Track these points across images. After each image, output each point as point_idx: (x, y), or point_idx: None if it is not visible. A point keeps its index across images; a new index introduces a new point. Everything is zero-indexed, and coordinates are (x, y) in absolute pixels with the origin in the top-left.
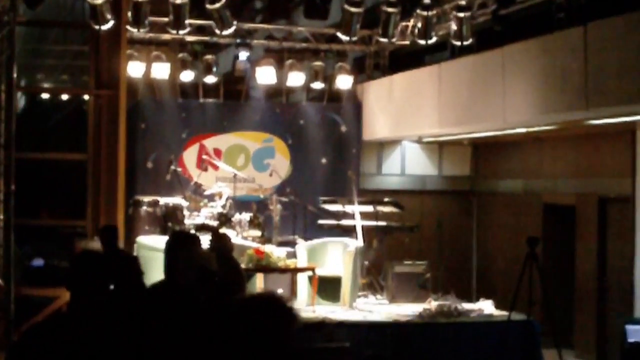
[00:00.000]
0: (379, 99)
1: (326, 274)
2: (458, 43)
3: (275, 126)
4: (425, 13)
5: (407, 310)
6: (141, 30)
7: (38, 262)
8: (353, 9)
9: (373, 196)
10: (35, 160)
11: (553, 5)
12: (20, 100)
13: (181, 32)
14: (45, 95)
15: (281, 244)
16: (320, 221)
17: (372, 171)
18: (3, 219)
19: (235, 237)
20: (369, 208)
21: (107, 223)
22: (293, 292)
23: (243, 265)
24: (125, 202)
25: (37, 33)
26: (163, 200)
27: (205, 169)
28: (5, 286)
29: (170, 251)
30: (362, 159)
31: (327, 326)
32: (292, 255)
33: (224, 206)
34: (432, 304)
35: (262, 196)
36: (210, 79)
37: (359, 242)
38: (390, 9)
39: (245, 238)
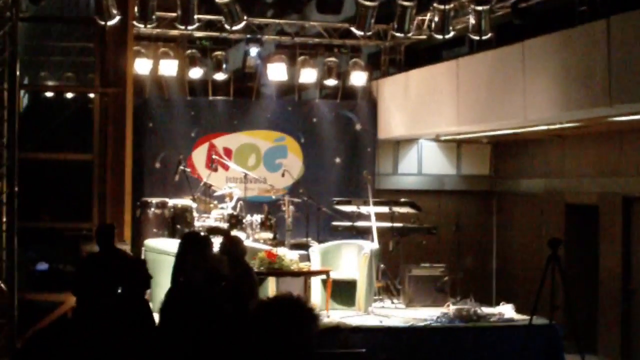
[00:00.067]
0: (394, 96)
1: (341, 278)
2: (477, 37)
3: (288, 125)
4: (442, 6)
5: (424, 314)
6: (148, 25)
7: (42, 266)
8: (367, 3)
9: (389, 197)
10: (39, 160)
11: None
12: (24, 99)
13: (190, 27)
14: (49, 94)
15: (294, 246)
16: (335, 223)
17: (387, 171)
18: (6, 222)
19: (246, 239)
20: (385, 209)
21: (116, 225)
22: (306, 296)
23: (255, 269)
24: (133, 203)
25: (41, 29)
26: (171, 202)
27: (215, 169)
28: (9, 291)
29: (180, 252)
30: (378, 158)
31: (341, 331)
32: (306, 258)
33: (234, 207)
34: (450, 308)
35: (274, 197)
36: (220, 76)
37: (374, 244)
38: (406, 3)
39: (256, 240)
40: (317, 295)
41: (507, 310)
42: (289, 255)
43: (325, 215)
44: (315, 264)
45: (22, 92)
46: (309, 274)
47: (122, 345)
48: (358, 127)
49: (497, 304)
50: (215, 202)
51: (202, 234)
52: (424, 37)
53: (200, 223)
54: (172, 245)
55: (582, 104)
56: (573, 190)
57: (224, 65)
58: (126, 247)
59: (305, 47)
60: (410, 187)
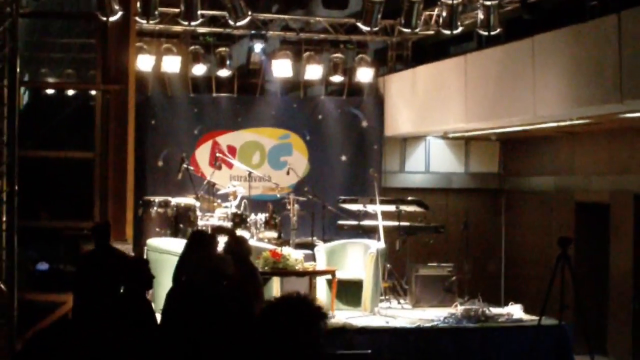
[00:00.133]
0: (401, 93)
1: (346, 278)
2: (485, 33)
3: (293, 122)
4: (450, 1)
5: (431, 315)
6: (151, 21)
7: (42, 266)
8: None
9: (396, 195)
10: (40, 158)
11: None
12: (24, 96)
13: (193, 23)
14: (49, 91)
15: (299, 245)
16: (340, 222)
17: (394, 168)
18: (6, 221)
19: (250, 238)
20: (392, 207)
21: (118, 224)
22: (313, 296)
23: (259, 269)
24: (135, 202)
25: (41, 25)
26: (174, 201)
27: (219, 167)
28: (9, 291)
29: (184, 250)
30: (384, 155)
31: (347, 332)
32: (311, 257)
33: (238, 206)
34: (458, 309)
35: (278, 196)
36: (224, 73)
37: (380, 243)
38: None
39: (261, 240)
40: (322, 296)
41: (515, 311)
42: (293, 255)
43: (330, 214)
44: (320, 264)
45: (22, 89)
46: (314, 273)
47: (123, 346)
48: (364, 124)
49: (506, 304)
50: (219, 200)
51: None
52: (431, 32)
53: (204, 222)
54: (175, 244)
55: (593, 100)
56: (583, 188)
57: (228, 62)
58: (128, 247)
59: (310, 43)
60: (417, 185)
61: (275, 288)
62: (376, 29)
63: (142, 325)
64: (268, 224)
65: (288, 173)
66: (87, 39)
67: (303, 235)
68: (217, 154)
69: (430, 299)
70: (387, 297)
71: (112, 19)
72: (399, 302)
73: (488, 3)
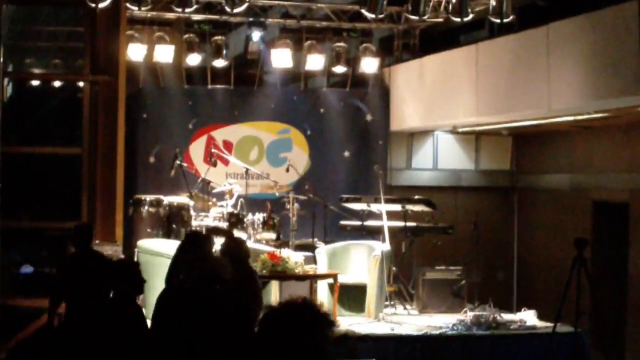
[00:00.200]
0: (408, 84)
1: (349, 282)
2: (497, 20)
3: (293, 115)
4: None
5: (439, 321)
6: (142, 8)
7: (26, 269)
8: None
9: (402, 193)
10: (24, 154)
11: None
12: (7, 88)
13: (187, 10)
14: (35, 82)
15: (299, 247)
16: (343, 222)
17: (400, 165)
18: None
19: (247, 240)
20: (397, 207)
21: (106, 224)
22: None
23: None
24: (125, 201)
25: (26, 12)
26: (167, 199)
27: (214, 164)
28: None
29: (177, 251)
30: (390, 151)
31: (350, 340)
32: (311, 260)
33: (234, 205)
34: (467, 315)
35: (277, 194)
36: (220, 63)
37: (385, 245)
38: None
39: (258, 241)
40: (323, 301)
41: (528, 317)
42: (293, 257)
43: (332, 214)
44: (321, 267)
45: (5, 80)
46: (315, 277)
47: (112, 355)
48: (369, 117)
49: (518, 310)
50: (214, 199)
51: (202, 232)
52: (440, 20)
53: (198, 222)
54: (167, 246)
55: (612, 92)
56: (601, 186)
57: (224, 51)
58: (117, 249)
59: (312, 31)
60: (424, 183)
61: (273, 292)
62: (382, 16)
63: (132, 333)
64: (266, 225)
65: (287, 170)
66: (74, 27)
67: (303, 236)
68: (213, 150)
69: (438, 305)
70: (392, 302)
71: (101, 5)
72: (404, 308)
73: None
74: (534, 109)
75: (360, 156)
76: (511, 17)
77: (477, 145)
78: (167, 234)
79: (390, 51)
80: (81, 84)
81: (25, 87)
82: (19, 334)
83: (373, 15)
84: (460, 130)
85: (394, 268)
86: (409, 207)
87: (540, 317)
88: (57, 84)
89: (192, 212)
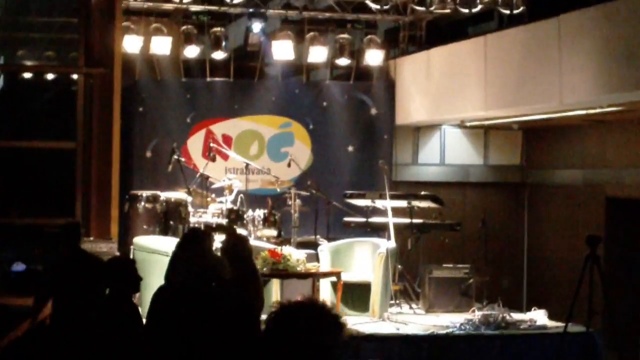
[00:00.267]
0: (414, 77)
1: (353, 280)
2: (507, 11)
3: (294, 109)
4: None
5: (446, 321)
6: None
7: (19, 267)
8: None
9: (408, 189)
10: (16, 149)
11: None
12: None
13: (185, 0)
14: (27, 75)
15: (301, 245)
16: (346, 218)
17: (406, 160)
18: None
19: (247, 237)
20: (403, 203)
21: (101, 221)
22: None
23: None
24: (120, 197)
25: (19, 3)
26: (164, 195)
27: (213, 159)
28: None
29: (175, 248)
30: (395, 146)
31: (354, 340)
32: (314, 258)
33: (234, 201)
34: (475, 314)
35: (278, 190)
36: (219, 55)
37: (391, 242)
38: None
39: (259, 238)
40: (326, 300)
41: (539, 317)
42: (295, 255)
43: (336, 210)
44: (324, 265)
45: None
46: (318, 275)
47: (106, 354)
48: (373, 111)
49: (528, 309)
50: (213, 195)
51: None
52: (447, 11)
53: (196, 219)
54: (164, 243)
55: (625, 86)
56: (614, 181)
57: (224, 43)
58: (113, 246)
59: (314, 23)
60: (431, 178)
61: (274, 291)
62: (387, 7)
63: (127, 332)
64: (267, 221)
65: (289, 165)
66: (68, 18)
67: (305, 233)
68: (211, 144)
69: (445, 304)
70: (397, 301)
71: None
72: (410, 307)
73: None
74: (545, 103)
75: (365, 151)
76: (521, 8)
77: (486, 139)
78: (164, 231)
79: (396, 43)
80: (75, 76)
81: (17, 79)
82: (10, 334)
83: (378, 6)
84: (468, 124)
85: (399, 266)
86: (415, 203)
87: (551, 316)
88: (50, 76)
89: (190, 209)
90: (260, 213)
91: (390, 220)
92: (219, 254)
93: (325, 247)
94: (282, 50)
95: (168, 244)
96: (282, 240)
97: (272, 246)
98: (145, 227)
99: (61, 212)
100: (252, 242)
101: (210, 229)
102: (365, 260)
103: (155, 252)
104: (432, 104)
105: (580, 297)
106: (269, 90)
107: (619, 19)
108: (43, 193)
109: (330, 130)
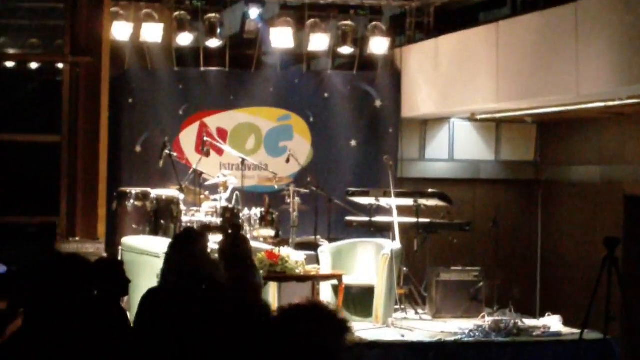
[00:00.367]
0: (422, 67)
1: (355, 283)
2: None
3: (294, 101)
4: None
5: (455, 327)
6: None
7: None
8: None
9: (414, 187)
10: None
11: None
12: None
13: None
14: (9, 64)
15: (300, 245)
16: (349, 218)
17: (413, 156)
18: None
19: None
20: (409, 201)
21: (88, 220)
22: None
23: None
24: (108, 194)
25: None
26: (154, 193)
27: (207, 154)
28: None
29: (168, 250)
30: (401, 140)
31: (356, 347)
32: (314, 259)
33: (229, 199)
34: (486, 320)
35: (276, 187)
36: (214, 43)
37: (396, 243)
38: None
39: (255, 238)
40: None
41: (553, 323)
42: (293, 256)
43: (337, 209)
44: (325, 267)
45: None
46: (318, 278)
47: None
48: (378, 103)
49: (542, 315)
50: (207, 192)
51: (198, 229)
52: None
53: (189, 217)
54: (154, 243)
55: None
56: (634, 179)
57: (219, 30)
58: (100, 246)
59: (315, 9)
60: (439, 175)
61: (272, 295)
62: None
63: (114, 337)
64: (264, 220)
65: (288, 161)
66: (54, 3)
67: (305, 233)
68: (205, 138)
69: (454, 309)
70: (402, 306)
71: None
72: (416, 312)
73: None
74: (561, 95)
75: (368, 145)
76: None
77: (498, 133)
78: (155, 231)
79: (402, 30)
80: (61, 65)
81: None
82: None
83: None
84: (479, 117)
85: (404, 268)
86: (422, 201)
87: (566, 322)
88: (34, 65)
89: (183, 207)
90: (256, 212)
91: (395, 219)
92: (217, 255)
93: (325, 248)
94: (281, 37)
95: (158, 244)
96: (280, 240)
97: (269, 247)
98: (134, 226)
99: (45, 211)
100: None
101: (207, 230)
102: (368, 262)
103: (144, 253)
104: (440, 95)
105: (597, 301)
106: (267, 81)
107: None
108: (25, 190)
109: (332, 123)
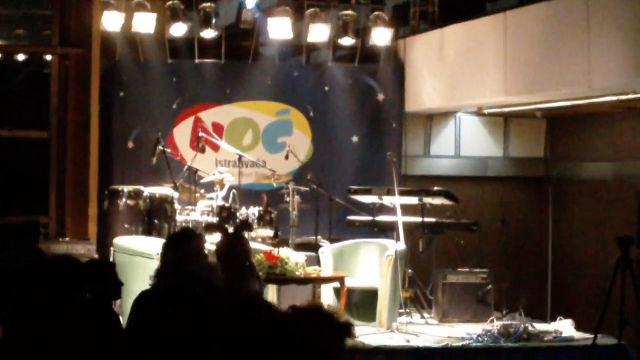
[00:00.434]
0: (426, 59)
1: (358, 286)
2: None
3: (293, 94)
4: None
5: (462, 332)
6: None
7: None
8: None
9: (419, 184)
10: None
11: None
12: None
13: None
14: None
15: (300, 246)
16: (351, 217)
17: (417, 152)
18: None
19: None
20: (414, 200)
21: (78, 220)
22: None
23: None
24: (99, 192)
25: None
26: (147, 191)
27: (202, 150)
28: None
29: (162, 250)
30: (405, 136)
31: (359, 352)
32: (314, 261)
33: (225, 198)
34: (494, 324)
35: (275, 185)
36: (209, 34)
37: (400, 244)
38: None
39: (253, 239)
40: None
41: (565, 327)
42: (293, 258)
43: (339, 208)
44: (326, 269)
45: None
46: (319, 280)
47: None
48: (380, 97)
49: (553, 319)
50: (202, 190)
51: (197, 229)
52: None
53: (184, 217)
54: (147, 244)
55: None
56: None
57: (214, 20)
58: (91, 247)
59: None
60: (445, 172)
61: (271, 298)
62: None
63: (106, 343)
64: (262, 220)
65: (287, 157)
66: None
67: (305, 233)
68: (200, 134)
69: (461, 313)
70: (407, 309)
71: None
72: (422, 316)
73: None
74: (572, 88)
75: (371, 141)
76: None
77: (506, 129)
78: (148, 231)
79: (406, 20)
80: (49, 57)
81: None
82: None
83: None
84: (486, 111)
85: (409, 270)
86: (427, 200)
87: (579, 327)
88: (20, 57)
89: (177, 206)
90: (254, 211)
91: (400, 219)
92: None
93: (327, 249)
94: (279, 28)
95: (152, 245)
96: (279, 241)
97: (268, 248)
98: (126, 226)
99: (33, 210)
100: None
101: (208, 229)
102: (371, 263)
103: (137, 254)
104: (445, 88)
105: (611, 305)
106: (265, 73)
107: None
108: (13, 188)
109: (333, 118)
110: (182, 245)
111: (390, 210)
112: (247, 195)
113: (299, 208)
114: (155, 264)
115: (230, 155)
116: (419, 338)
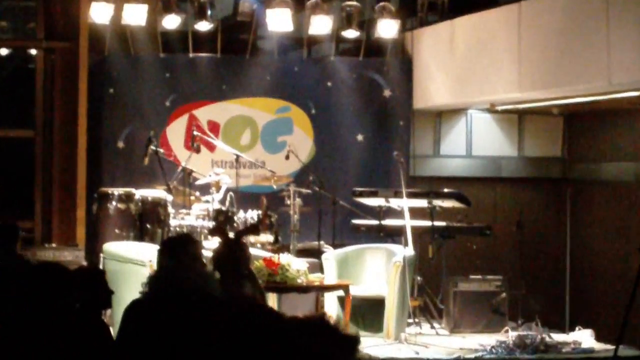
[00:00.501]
0: (435, 52)
1: (364, 294)
2: None
3: (293, 90)
4: None
5: (474, 343)
6: None
7: None
8: None
9: (428, 186)
10: None
11: None
12: None
13: None
14: None
15: (301, 252)
16: (356, 221)
17: (426, 152)
18: None
19: None
20: (423, 202)
21: (65, 224)
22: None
23: None
24: (88, 195)
25: None
26: (139, 193)
27: (197, 150)
28: None
29: (158, 256)
30: (413, 134)
31: None
32: (317, 268)
33: (222, 201)
34: (509, 335)
35: (275, 187)
36: (204, 26)
37: (408, 249)
38: None
39: (252, 244)
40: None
41: (584, 338)
42: (294, 264)
43: (343, 211)
44: (329, 276)
45: None
46: (322, 289)
47: None
48: (387, 93)
49: (572, 329)
50: (197, 193)
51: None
52: None
53: (178, 221)
54: (139, 250)
55: None
56: None
57: (209, 12)
58: (79, 254)
59: None
60: (456, 173)
61: None
62: None
63: (96, 357)
64: (261, 224)
65: (287, 157)
66: None
67: (307, 238)
68: (195, 133)
69: (473, 323)
70: (416, 319)
71: None
72: (432, 327)
73: None
74: (590, 83)
75: (377, 140)
76: None
77: (521, 127)
78: (140, 236)
79: (413, 12)
80: (33, 51)
81: None
82: None
83: None
84: (499, 108)
85: (418, 278)
86: (437, 202)
87: (599, 337)
88: (3, 51)
89: (171, 209)
90: (253, 214)
91: (408, 223)
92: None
93: (330, 255)
94: (279, 20)
95: (144, 251)
96: (279, 247)
97: (267, 254)
98: (117, 231)
99: (18, 213)
100: None
101: (211, 233)
102: (378, 270)
103: (129, 261)
104: (456, 84)
105: (633, 314)
106: (264, 68)
107: None
108: None
109: (336, 115)
110: (177, 251)
111: (398, 214)
112: (245, 198)
113: (301, 211)
114: (147, 271)
115: (227, 156)
116: (428, 350)
